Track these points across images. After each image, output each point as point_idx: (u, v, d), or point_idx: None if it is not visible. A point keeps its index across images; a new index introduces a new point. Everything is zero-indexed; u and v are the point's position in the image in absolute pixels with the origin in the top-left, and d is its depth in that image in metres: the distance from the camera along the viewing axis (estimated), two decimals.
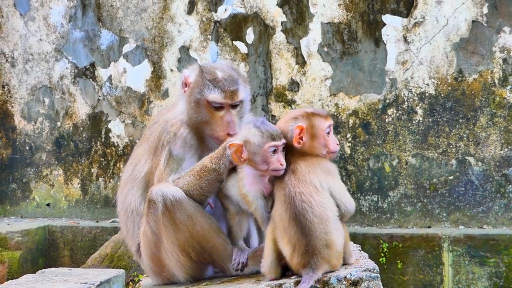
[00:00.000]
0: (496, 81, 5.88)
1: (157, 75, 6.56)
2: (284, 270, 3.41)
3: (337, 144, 3.49)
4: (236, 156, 3.51)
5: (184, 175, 3.79)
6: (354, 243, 3.88)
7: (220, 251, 3.75)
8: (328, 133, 3.45)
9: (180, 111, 3.96)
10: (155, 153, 3.89)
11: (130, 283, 5.63)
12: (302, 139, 3.39)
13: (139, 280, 4.44)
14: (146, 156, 3.94)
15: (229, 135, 3.79)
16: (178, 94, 4.07)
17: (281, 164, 3.41)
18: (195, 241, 3.71)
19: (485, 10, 5.88)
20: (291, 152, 3.43)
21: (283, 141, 3.44)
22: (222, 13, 6.41)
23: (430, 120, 5.99)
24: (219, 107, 3.83)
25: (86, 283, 4.22)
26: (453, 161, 5.94)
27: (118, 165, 6.62)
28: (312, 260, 3.21)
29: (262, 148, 3.43)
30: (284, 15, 6.26)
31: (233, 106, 3.85)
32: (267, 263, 3.37)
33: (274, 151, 3.43)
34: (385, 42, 6.08)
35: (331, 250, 3.24)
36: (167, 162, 3.83)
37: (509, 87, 5.86)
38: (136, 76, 6.61)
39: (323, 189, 3.29)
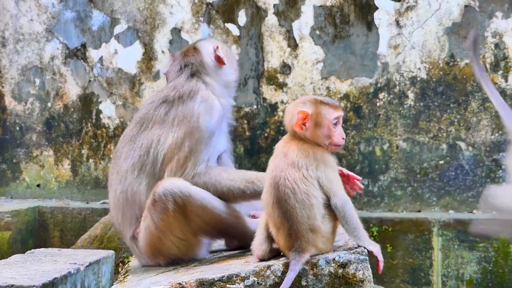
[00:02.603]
0: (488, 66, 5.88)
1: (149, 57, 6.53)
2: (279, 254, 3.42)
3: (343, 138, 3.46)
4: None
5: (231, 171, 3.78)
6: None
7: (239, 227, 3.78)
8: (335, 124, 3.41)
9: (208, 85, 3.93)
10: (180, 125, 3.80)
11: (120, 264, 5.63)
12: (305, 125, 3.36)
13: (128, 261, 4.44)
14: (165, 134, 3.82)
15: None
16: (199, 67, 3.99)
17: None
18: (209, 226, 3.70)
19: None
20: (291, 134, 3.41)
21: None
22: None
23: (422, 104, 5.99)
24: None
25: (75, 263, 4.23)
26: (444, 146, 5.95)
27: (108, 146, 6.61)
28: (296, 243, 3.22)
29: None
30: None
31: None
32: (256, 241, 3.39)
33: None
34: (377, 26, 6.07)
35: (316, 234, 3.24)
36: (199, 133, 3.77)
37: (500, 72, 5.86)
38: (127, 58, 6.58)
39: (311, 177, 3.28)
